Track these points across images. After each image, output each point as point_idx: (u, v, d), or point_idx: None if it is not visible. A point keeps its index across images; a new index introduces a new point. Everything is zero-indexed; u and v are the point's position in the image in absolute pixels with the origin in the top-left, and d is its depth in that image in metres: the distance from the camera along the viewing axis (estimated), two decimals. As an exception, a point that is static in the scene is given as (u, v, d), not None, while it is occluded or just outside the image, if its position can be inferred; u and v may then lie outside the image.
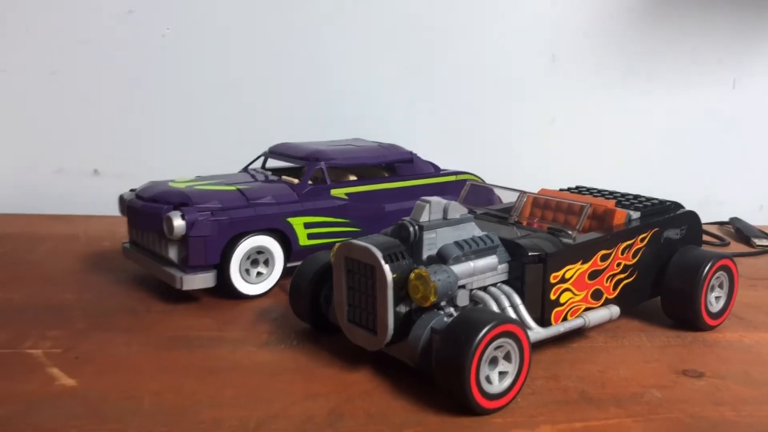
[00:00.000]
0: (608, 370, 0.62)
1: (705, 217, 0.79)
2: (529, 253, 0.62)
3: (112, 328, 0.69)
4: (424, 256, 0.60)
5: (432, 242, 0.60)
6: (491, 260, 0.61)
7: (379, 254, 0.56)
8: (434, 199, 0.61)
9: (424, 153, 0.98)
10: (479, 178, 0.99)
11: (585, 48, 1.25)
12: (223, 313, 0.75)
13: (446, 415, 0.54)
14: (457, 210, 0.62)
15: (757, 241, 1.07)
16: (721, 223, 1.20)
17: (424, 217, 0.60)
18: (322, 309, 0.68)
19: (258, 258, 0.79)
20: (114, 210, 0.97)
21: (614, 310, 0.68)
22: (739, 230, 1.13)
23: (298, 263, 0.70)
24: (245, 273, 0.78)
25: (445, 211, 0.61)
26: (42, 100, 1.19)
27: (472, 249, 0.60)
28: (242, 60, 1.20)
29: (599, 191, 0.79)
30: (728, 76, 1.27)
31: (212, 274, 0.76)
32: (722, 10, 1.25)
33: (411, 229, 0.59)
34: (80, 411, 0.53)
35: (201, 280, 0.76)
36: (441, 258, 0.59)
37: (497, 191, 0.85)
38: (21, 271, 0.86)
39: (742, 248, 1.06)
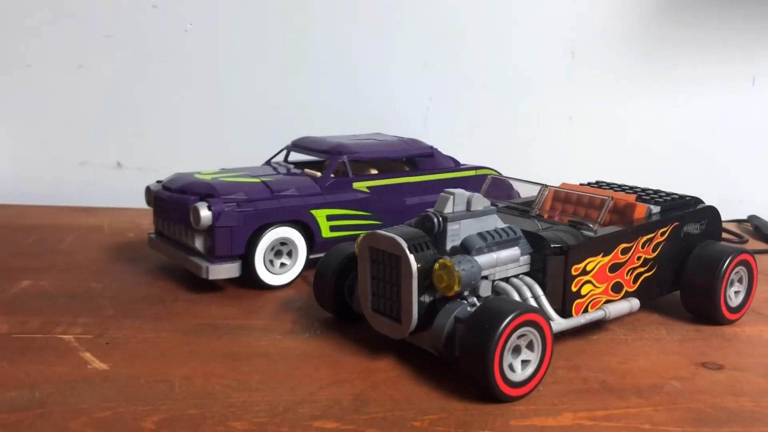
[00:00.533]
0: (628, 362, 0.63)
1: (723, 215, 0.80)
2: (552, 245, 0.63)
3: (140, 315, 0.71)
4: (448, 246, 0.61)
5: (456, 233, 0.61)
6: (514, 252, 0.62)
7: (404, 244, 0.58)
8: (458, 191, 0.62)
9: (444, 148, 0.99)
10: (498, 173, 0.99)
11: (604, 46, 1.26)
12: (248, 302, 0.76)
13: (469, 402, 0.55)
14: (481, 202, 0.63)
15: (776, 239, 1.07)
16: (739, 221, 1.20)
17: (448, 209, 0.61)
18: (345, 299, 0.69)
19: (282, 249, 0.81)
20: (137, 202, 0.99)
21: (634, 302, 0.69)
22: (758, 228, 1.13)
23: (321, 255, 0.72)
24: (269, 264, 0.79)
25: (469, 203, 0.62)
26: (68, 93, 1.21)
27: (495, 240, 0.61)
28: (264, 55, 1.22)
29: (619, 186, 0.80)
30: (748, 73, 1.27)
31: (237, 265, 0.78)
32: (742, 5, 1.24)
33: (435, 220, 0.61)
34: (112, 393, 0.55)
35: (226, 270, 0.77)
36: (464, 249, 0.60)
37: (517, 186, 0.86)
38: (48, 261, 0.88)
39: (761, 246, 1.06)
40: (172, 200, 0.80)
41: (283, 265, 0.81)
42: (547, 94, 1.27)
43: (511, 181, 0.81)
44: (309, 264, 0.81)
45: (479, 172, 0.96)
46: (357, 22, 1.22)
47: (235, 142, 1.21)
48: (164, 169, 0.92)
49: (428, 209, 0.62)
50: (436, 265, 0.57)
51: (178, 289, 0.79)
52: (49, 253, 0.91)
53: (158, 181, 0.86)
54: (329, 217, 0.83)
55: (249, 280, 0.79)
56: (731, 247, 0.74)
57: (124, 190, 1.19)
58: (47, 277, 0.81)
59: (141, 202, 0.89)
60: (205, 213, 0.75)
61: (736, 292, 0.73)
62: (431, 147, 0.95)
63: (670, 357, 0.65)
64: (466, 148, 1.09)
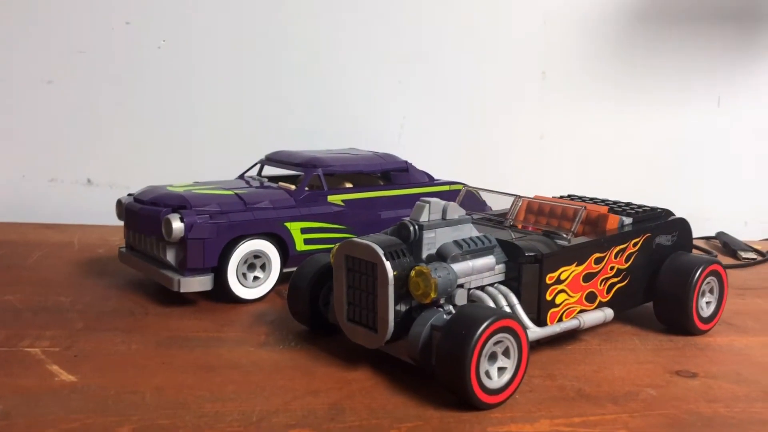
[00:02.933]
0: (603, 371, 0.63)
1: (693, 232, 0.81)
2: (526, 254, 0.63)
3: (111, 328, 0.70)
4: (424, 254, 0.60)
5: (431, 241, 0.61)
6: (489, 260, 0.62)
7: (380, 251, 0.57)
8: (434, 199, 0.62)
9: (418, 164, 0.99)
10: (475, 187, 1.00)
11: (574, 66, 1.28)
12: (220, 315, 0.75)
13: (446, 410, 0.54)
14: (456, 211, 0.63)
15: (743, 254, 1.09)
16: (708, 238, 1.22)
17: (424, 217, 0.61)
18: (320, 310, 0.68)
19: (255, 262, 0.80)
20: (108, 219, 0.97)
21: (608, 312, 0.69)
22: (726, 244, 1.15)
23: (294, 269, 0.71)
24: (242, 277, 0.79)
25: (444, 211, 0.62)
26: (37, 109, 1.19)
27: (470, 248, 0.61)
28: (236, 71, 1.22)
29: (591, 199, 0.81)
30: (714, 94, 1.30)
31: (209, 278, 0.77)
32: (707, 29, 1.28)
33: (411, 228, 0.60)
34: (81, 405, 0.53)
35: (198, 283, 0.76)
36: (440, 257, 0.60)
37: (490, 198, 0.87)
38: (16, 276, 0.86)
39: (730, 261, 1.08)
40: (143, 212, 0.79)
41: (256, 278, 0.80)
42: (519, 113, 1.28)
43: (485, 193, 0.81)
44: (283, 278, 0.80)
45: (453, 187, 0.97)
46: (333, 39, 1.23)
47: (209, 157, 1.20)
48: (136, 185, 0.91)
49: (404, 218, 0.62)
50: (413, 273, 0.57)
51: (150, 302, 0.78)
52: (15, 268, 0.89)
53: (129, 194, 0.85)
54: (304, 230, 0.82)
55: (222, 293, 0.78)
56: (702, 257, 0.75)
57: (94, 207, 1.18)
58: (13, 292, 0.79)
59: (112, 219, 0.88)
60: (177, 225, 0.74)
61: (708, 303, 0.74)
62: (406, 162, 0.96)
63: (645, 366, 0.65)
64: (440, 165, 1.10)
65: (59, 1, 1.17)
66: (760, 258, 1.08)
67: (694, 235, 0.80)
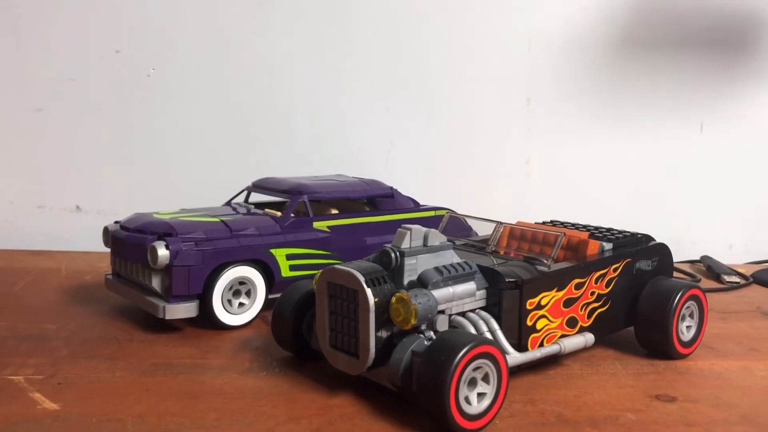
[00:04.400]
0: (584, 395, 0.64)
1: (677, 256, 0.82)
2: (506, 280, 0.64)
3: (95, 355, 0.70)
4: (405, 281, 0.61)
5: (413, 268, 0.62)
6: (470, 286, 0.63)
7: (361, 278, 0.58)
8: (415, 226, 0.63)
9: (404, 190, 1.00)
10: (457, 213, 1.01)
11: (558, 92, 1.30)
12: (205, 342, 0.75)
13: (426, 436, 0.55)
14: (437, 237, 0.64)
15: (727, 278, 1.10)
16: (692, 262, 1.24)
17: (405, 244, 0.62)
18: (304, 336, 0.69)
19: (240, 289, 0.80)
20: (96, 246, 0.98)
21: (589, 337, 0.70)
22: (710, 268, 1.16)
23: (279, 295, 0.72)
24: (227, 303, 0.79)
25: (426, 238, 0.63)
26: (27, 136, 1.20)
27: (451, 275, 0.62)
28: (224, 99, 1.23)
29: (573, 224, 0.82)
30: (696, 120, 1.32)
31: (195, 304, 0.77)
32: (690, 55, 1.30)
33: (392, 255, 0.61)
34: (63, 433, 0.54)
35: (183, 310, 0.77)
36: (421, 283, 0.61)
37: (473, 225, 0.88)
38: (2, 303, 0.86)
39: (713, 284, 1.09)
40: (129, 240, 0.80)
41: (241, 304, 0.80)
42: (504, 139, 1.30)
43: (468, 219, 0.82)
44: (268, 304, 0.81)
45: (438, 212, 0.98)
46: (320, 67, 1.24)
47: (197, 184, 1.21)
48: (124, 212, 0.92)
49: (386, 245, 0.63)
50: (393, 299, 0.58)
51: (135, 329, 0.78)
52: (2, 295, 0.89)
53: (116, 222, 0.86)
54: (289, 257, 0.83)
55: (207, 320, 0.78)
56: (682, 282, 0.76)
57: (83, 234, 1.18)
58: (-2, 319, 0.80)
59: (100, 246, 0.89)
60: (162, 252, 0.75)
61: (688, 327, 0.75)
62: (391, 188, 0.97)
63: (625, 390, 0.66)
64: (426, 190, 1.11)
65: (49, 30, 1.18)
66: (743, 282, 1.09)
67: (679, 258, 0.81)
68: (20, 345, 0.72)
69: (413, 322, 0.57)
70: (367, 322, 0.58)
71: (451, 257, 0.64)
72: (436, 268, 0.62)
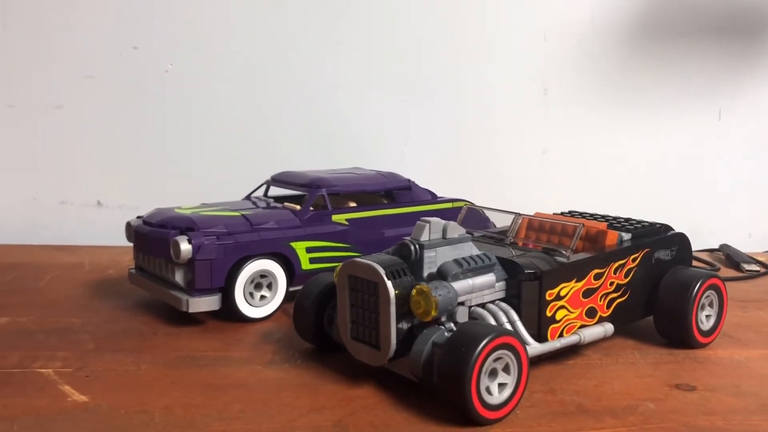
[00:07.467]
0: (603, 385, 0.64)
1: (696, 245, 0.82)
2: (526, 271, 0.64)
3: (120, 349, 0.71)
4: (425, 273, 0.62)
5: (432, 260, 0.62)
6: (489, 278, 0.63)
7: (382, 271, 0.59)
8: (434, 219, 0.64)
9: (421, 182, 1.01)
10: (475, 205, 1.01)
11: (575, 82, 1.30)
12: (228, 334, 0.76)
13: (448, 426, 0.56)
14: (456, 230, 0.64)
15: (746, 266, 1.10)
16: (711, 250, 1.23)
17: (425, 237, 0.63)
18: (325, 328, 0.70)
19: (261, 282, 0.81)
20: (118, 240, 0.99)
21: (608, 327, 0.70)
22: (729, 256, 1.16)
23: (300, 287, 0.73)
24: (249, 296, 0.80)
25: (444, 230, 0.64)
26: (48, 133, 1.22)
27: (470, 267, 0.62)
28: (242, 94, 1.24)
29: (591, 215, 0.82)
30: (714, 107, 1.31)
31: (217, 297, 0.78)
32: (708, 43, 1.29)
33: (412, 247, 0.62)
34: (92, 425, 0.55)
35: (206, 303, 0.78)
36: (441, 275, 0.62)
37: (492, 216, 0.88)
38: (28, 298, 0.88)
39: (733, 273, 1.09)
40: (152, 235, 0.81)
41: (263, 297, 0.81)
42: (522, 129, 1.30)
43: (486, 211, 0.82)
44: (289, 296, 0.82)
45: (456, 204, 0.98)
46: (336, 62, 1.25)
47: (216, 178, 1.22)
48: (145, 206, 0.93)
49: (405, 237, 0.63)
50: (414, 291, 0.59)
51: (159, 322, 0.79)
52: (28, 291, 0.91)
53: (138, 217, 0.87)
54: (309, 249, 0.84)
55: (229, 312, 0.80)
56: (701, 271, 0.76)
57: (104, 229, 1.20)
58: (26, 314, 0.81)
59: (122, 240, 0.90)
60: (185, 246, 0.76)
61: (708, 316, 0.75)
62: (408, 180, 0.97)
63: (645, 380, 0.66)
64: (443, 182, 1.11)
65: (68, 29, 1.20)
66: (762, 270, 1.09)
67: (698, 247, 0.81)
68: (47, 339, 0.74)
69: (434, 313, 0.58)
70: (388, 314, 0.59)
71: (470, 249, 0.65)
72: (456, 260, 0.62)
